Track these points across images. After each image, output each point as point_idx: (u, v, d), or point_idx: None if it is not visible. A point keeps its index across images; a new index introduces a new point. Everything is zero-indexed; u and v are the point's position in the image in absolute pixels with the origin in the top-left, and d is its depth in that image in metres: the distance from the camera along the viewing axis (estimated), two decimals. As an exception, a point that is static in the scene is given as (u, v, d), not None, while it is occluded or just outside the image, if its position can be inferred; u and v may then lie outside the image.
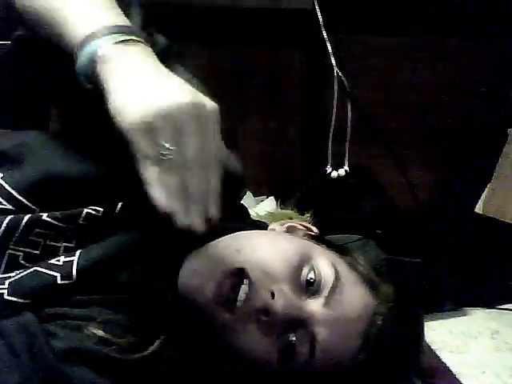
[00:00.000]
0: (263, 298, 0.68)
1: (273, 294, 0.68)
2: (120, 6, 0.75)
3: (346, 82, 1.48)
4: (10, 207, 0.74)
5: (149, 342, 0.70)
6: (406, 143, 1.69)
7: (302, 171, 1.77)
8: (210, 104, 0.67)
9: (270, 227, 0.84)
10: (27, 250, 0.74)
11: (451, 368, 1.07)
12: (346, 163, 1.49)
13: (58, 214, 0.74)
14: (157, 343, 0.70)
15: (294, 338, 0.70)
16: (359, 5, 1.63)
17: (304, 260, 0.72)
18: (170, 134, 0.64)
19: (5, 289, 0.70)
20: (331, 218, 1.07)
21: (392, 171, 1.49)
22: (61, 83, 0.79)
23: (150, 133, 0.63)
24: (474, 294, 1.35)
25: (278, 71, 1.77)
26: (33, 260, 0.73)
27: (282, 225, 0.84)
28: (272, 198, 1.59)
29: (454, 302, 1.32)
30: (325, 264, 0.72)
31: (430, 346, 1.12)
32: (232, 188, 0.88)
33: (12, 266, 0.73)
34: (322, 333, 0.70)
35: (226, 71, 1.72)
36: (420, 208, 1.50)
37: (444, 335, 1.21)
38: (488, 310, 1.34)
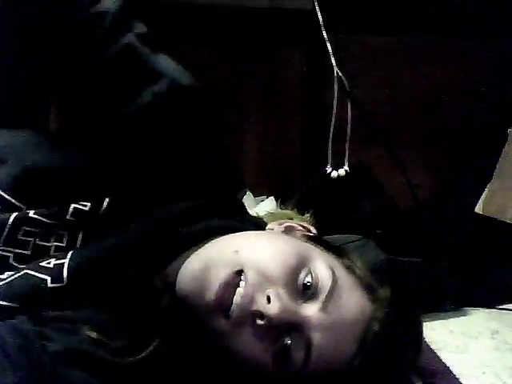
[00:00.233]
0: (259, 302, 0.68)
1: (269, 298, 0.68)
2: None
3: (346, 82, 1.48)
4: None
5: (144, 344, 0.70)
6: (405, 143, 1.69)
7: (302, 171, 1.76)
8: None
9: (268, 227, 0.84)
10: (17, 250, 0.73)
11: (451, 368, 1.07)
12: (346, 163, 1.49)
13: (44, 210, 0.74)
14: (152, 345, 0.70)
15: (290, 342, 0.69)
16: (359, 5, 1.63)
17: (301, 263, 0.72)
18: None
19: None
20: (331, 217, 1.07)
21: (392, 171, 1.49)
22: (61, 76, 0.79)
23: None
24: (474, 294, 1.35)
25: (278, 71, 1.77)
26: (24, 261, 0.73)
27: (280, 224, 0.83)
28: (272, 198, 1.59)
29: (453, 302, 1.32)
30: (322, 267, 0.72)
31: (429, 346, 1.12)
32: (231, 187, 0.88)
33: (3, 267, 0.73)
34: (317, 337, 0.69)
35: (226, 71, 1.72)
36: (420, 208, 1.50)
37: (444, 335, 1.21)
38: (488, 309, 1.34)
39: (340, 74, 1.47)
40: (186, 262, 0.73)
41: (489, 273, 1.41)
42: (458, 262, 1.37)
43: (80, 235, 0.75)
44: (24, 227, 0.73)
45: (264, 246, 0.73)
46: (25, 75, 0.84)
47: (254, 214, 0.94)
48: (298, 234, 0.82)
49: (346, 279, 0.73)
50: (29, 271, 0.72)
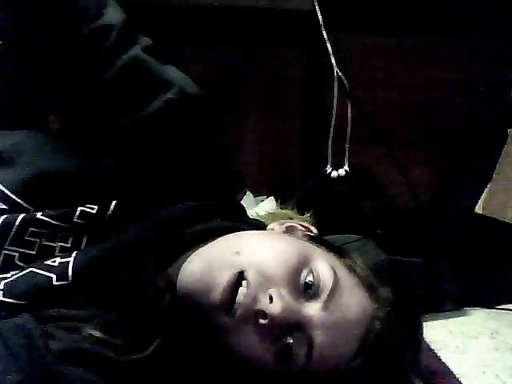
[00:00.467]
0: (261, 302, 0.68)
1: (271, 298, 0.68)
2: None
3: (346, 82, 1.48)
4: (5, 207, 0.75)
5: (146, 342, 0.70)
6: (405, 143, 1.69)
7: (302, 171, 1.77)
8: None
9: (269, 227, 0.84)
10: (23, 250, 0.74)
11: (451, 368, 1.07)
12: (346, 163, 1.49)
13: (52, 212, 0.74)
14: (154, 344, 0.70)
15: (291, 341, 0.69)
16: (359, 5, 1.63)
17: (303, 262, 0.72)
18: None
19: (0, 290, 0.71)
20: (331, 217, 1.07)
21: (392, 171, 1.49)
22: (62, 80, 0.79)
23: None
24: (474, 294, 1.35)
25: (278, 71, 1.77)
26: (29, 260, 0.73)
27: (281, 224, 0.83)
28: (272, 198, 1.59)
29: (454, 302, 1.32)
30: (324, 267, 0.72)
31: (429, 346, 1.13)
32: (231, 188, 0.88)
33: (8, 266, 0.73)
34: (319, 337, 0.69)
35: (225, 71, 1.72)
36: (420, 208, 1.50)
37: (444, 335, 1.21)
38: (488, 309, 1.34)
39: (340, 73, 1.47)
40: (187, 262, 0.73)
41: (489, 273, 1.41)
42: (458, 262, 1.37)
43: (85, 237, 0.75)
44: (31, 228, 0.74)
45: (265, 246, 0.73)
46: (25, 75, 0.84)
47: (254, 214, 0.94)
48: (299, 233, 0.82)
49: (347, 279, 0.73)
50: (34, 269, 0.72)
